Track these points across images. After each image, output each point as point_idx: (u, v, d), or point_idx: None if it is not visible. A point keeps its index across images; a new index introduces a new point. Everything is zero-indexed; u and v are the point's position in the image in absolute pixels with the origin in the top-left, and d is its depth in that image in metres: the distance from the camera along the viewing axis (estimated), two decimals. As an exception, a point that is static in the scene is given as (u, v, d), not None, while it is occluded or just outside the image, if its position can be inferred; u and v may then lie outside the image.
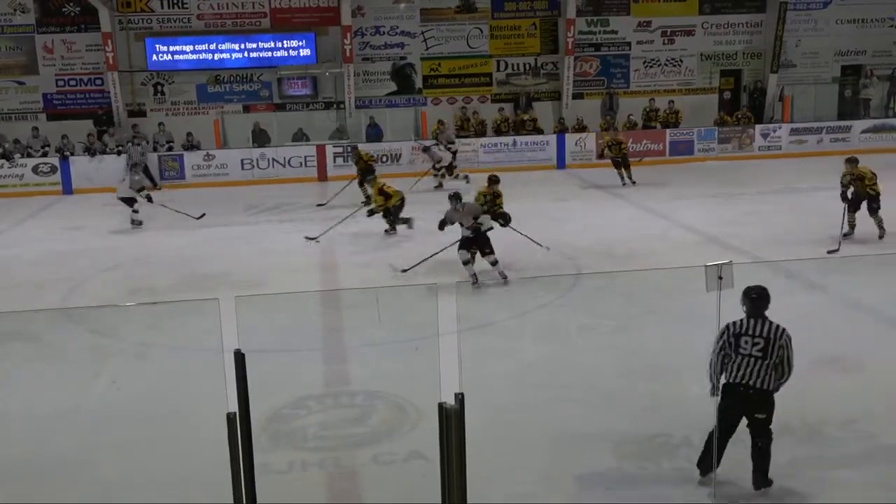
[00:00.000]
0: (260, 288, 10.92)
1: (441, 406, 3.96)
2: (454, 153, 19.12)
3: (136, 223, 15.40)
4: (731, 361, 5.37)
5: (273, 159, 20.04)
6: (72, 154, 20.09)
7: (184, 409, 7.08)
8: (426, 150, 19.05)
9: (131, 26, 21.49)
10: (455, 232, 10.82)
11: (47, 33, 21.33)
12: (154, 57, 21.43)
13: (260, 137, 21.44)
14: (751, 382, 5.30)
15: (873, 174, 12.11)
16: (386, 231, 13.76)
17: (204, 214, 15.57)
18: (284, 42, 21.70)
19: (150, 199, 15.37)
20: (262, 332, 7.92)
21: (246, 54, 21.74)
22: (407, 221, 13.60)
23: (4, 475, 6.17)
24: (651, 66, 23.32)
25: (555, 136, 21.56)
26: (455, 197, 10.87)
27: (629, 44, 23.14)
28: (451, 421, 3.89)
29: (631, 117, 22.26)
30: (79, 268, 12.51)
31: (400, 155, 20.74)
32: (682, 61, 23.39)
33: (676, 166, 20.75)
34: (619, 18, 22.95)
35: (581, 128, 21.60)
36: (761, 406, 5.37)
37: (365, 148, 18.53)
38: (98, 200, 18.19)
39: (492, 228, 10.74)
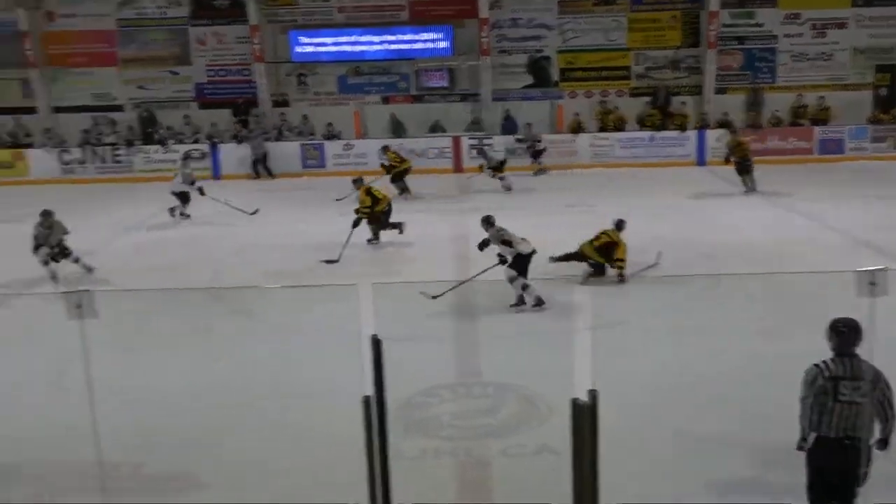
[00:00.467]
0: (395, 276, 11.14)
1: (574, 402, 3.91)
2: (540, 151, 19.65)
3: (184, 216, 15.65)
4: (828, 411, 4.65)
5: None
6: (220, 141, 21.04)
7: (320, 390, 7.28)
8: (481, 151, 19.50)
9: (277, 19, 22.27)
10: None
11: (200, 26, 22.37)
12: (297, 49, 22.17)
13: (397, 128, 21.83)
14: (856, 434, 4.62)
15: None
16: (369, 241, 13.04)
17: (258, 210, 15.71)
18: (422, 35, 22.01)
19: (202, 192, 15.46)
20: (396, 319, 8.03)
21: (385, 47, 22.16)
22: (398, 226, 13.05)
23: (154, 446, 6.53)
24: (799, 61, 22.27)
25: (695, 132, 20.96)
26: (485, 220, 9.94)
27: (775, 37, 22.17)
28: (585, 417, 3.83)
29: (777, 113, 21.38)
30: (223, 250, 13.08)
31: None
32: (833, 55, 22.22)
33: (825, 165, 19.80)
34: (766, 11, 22.02)
35: (724, 124, 20.84)
36: (862, 459, 4.65)
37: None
38: (244, 186, 18.98)
39: (506, 261, 9.57)
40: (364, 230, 12.84)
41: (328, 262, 11.94)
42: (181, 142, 21.14)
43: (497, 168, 17.85)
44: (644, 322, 9.14)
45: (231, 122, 21.87)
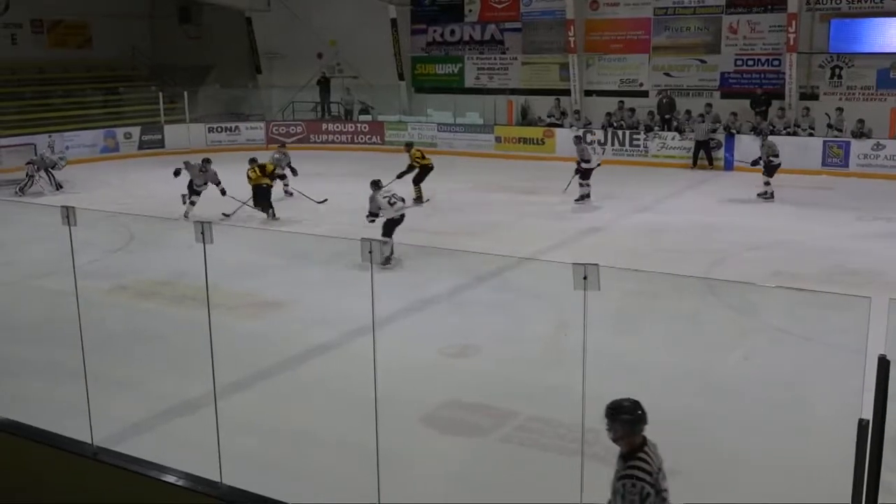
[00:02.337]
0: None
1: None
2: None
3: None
4: None
5: None
6: (738, 132, 20.66)
7: (811, 401, 6.88)
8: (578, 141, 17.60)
9: (818, 7, 21.00)
10: None
11: (734, 14, 22.07)
12: (836, 39, 20.69)
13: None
14: None
15: None
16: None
17: (326, 200, 15.40)
18: None
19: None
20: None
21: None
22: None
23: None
24: None
25: None
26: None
27: None
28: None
29: None
30: (725, 242, 12.89)
31: None
32: None
33: None
34: None
35: None
36: None
37: None
38: (756, 180, 18.45)
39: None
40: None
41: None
42: (692, 129, 21.19)
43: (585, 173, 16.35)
44: None
45: (752, 114, 21.30)
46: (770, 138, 17.44)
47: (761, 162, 16.65)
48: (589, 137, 22.20)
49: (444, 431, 6.77)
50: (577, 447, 5.52)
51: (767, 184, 16.51)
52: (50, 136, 20.22)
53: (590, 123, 22.75)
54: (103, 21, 27.37)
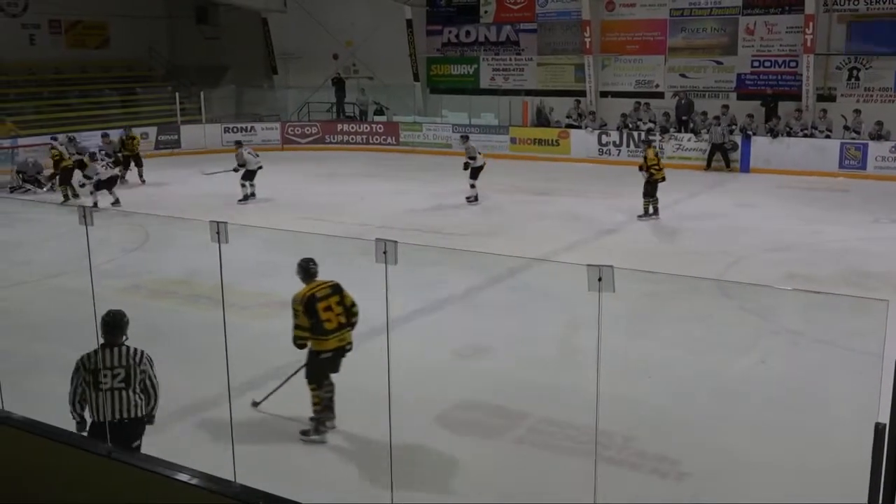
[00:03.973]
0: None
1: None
2: None
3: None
4: None
5: None
6: (754, 134, 20.55)
7: (827, 405, 6.85)
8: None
9: (836, 8, 20.87)
10: None
11: (751, 15, 21.97)
12: (853, 40, 20.55)
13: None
14: None
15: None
16: None
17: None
18: None
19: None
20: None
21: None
22: None
23: (647, 423, 6.73)
24: None
25: None
26: None
27: None
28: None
29: None
30: (741, 245, 12.83)
31: None
32: None
33: None
34: None
35: None
36: None
37: None
38: (772, 182, 18.39)
39: None
40: None
41: None
42: (707, 131, 21.09)
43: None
44: None
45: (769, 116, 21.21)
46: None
47: None
48: (604, 139, 22.16)
49: (458, 432, 6.77)
50: (591, 449, 5.50)
51: None
52: (67, 136, 20.33)
53: (605, 124, 22.69)
54: (121, 21, 27.54)
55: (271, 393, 6.83)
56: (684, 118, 21.99)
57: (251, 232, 12.23)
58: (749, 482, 5.83)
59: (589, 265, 4.12)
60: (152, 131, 24.20)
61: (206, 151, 23.71)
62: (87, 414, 5.23)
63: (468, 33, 26.13)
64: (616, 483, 5.74)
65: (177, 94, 25.21)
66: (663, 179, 14.89)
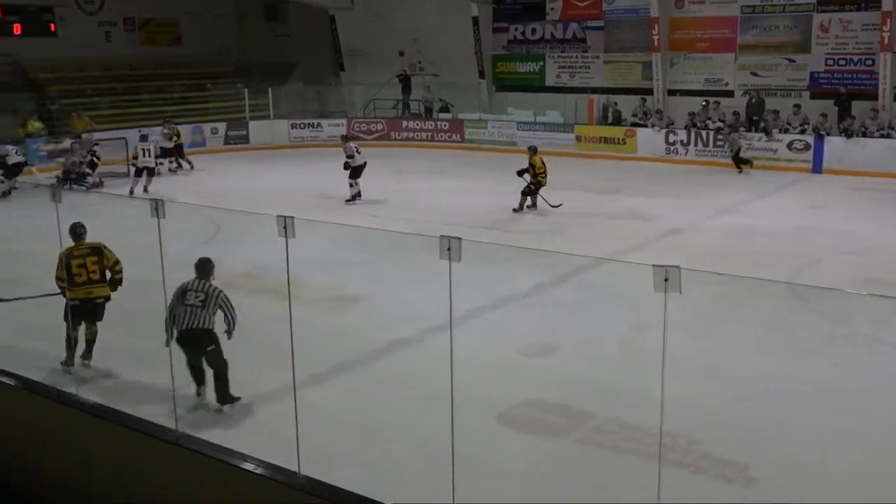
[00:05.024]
0: None
1: None
2: None
3: None
4: None
5: None
6: (828, 133, 20.02)
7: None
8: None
9: (916, 4, 20.21)
10: None
11: (826, 12, 21.39)
12: (935, 37, 19.89)
13: None
14: None
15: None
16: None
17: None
18: None
19: None
20: None
21: None
22: None
23: (714, 426, 6.61)
24: None
25: None
26: None
27: None
28: None
29: None
30: (814, 247, 12.52)
31: None
32: None
33: None
34: None
35: None
36: None
37: None
38: (846, 183, 17.90)
39: None
40: None
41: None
42: (786, 131, 20.61)
43: None
44: None
45: (842, 115, 20.60)
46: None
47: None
48: (671, 137, 21.83)
49: (521, 431, 6.74)
50: (655, 451, 5.44)
51: None
52: (140, 132, 20.78)
53: (672, 123, 22.35)
54: (193, 19, 28.11)
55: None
56: (755, 118, 21.50)
57: (317, 228, 12.37)
58: (819, 491, 5.68)
59: (655, 265, 4.06)
60: (222, 127, 24.68)
61: (273, 147, 24.07)
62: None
63: (534, 31, 26.00)
64: (680, 486, 5.65)
65: (246, 91, 25.63)
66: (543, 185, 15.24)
